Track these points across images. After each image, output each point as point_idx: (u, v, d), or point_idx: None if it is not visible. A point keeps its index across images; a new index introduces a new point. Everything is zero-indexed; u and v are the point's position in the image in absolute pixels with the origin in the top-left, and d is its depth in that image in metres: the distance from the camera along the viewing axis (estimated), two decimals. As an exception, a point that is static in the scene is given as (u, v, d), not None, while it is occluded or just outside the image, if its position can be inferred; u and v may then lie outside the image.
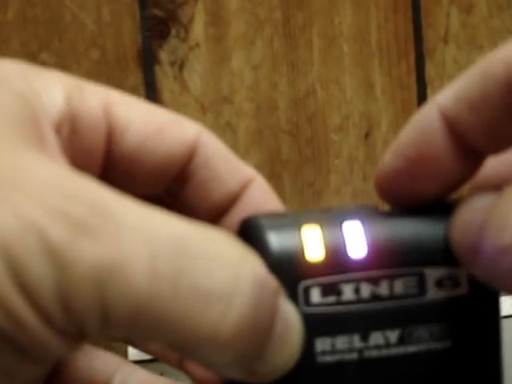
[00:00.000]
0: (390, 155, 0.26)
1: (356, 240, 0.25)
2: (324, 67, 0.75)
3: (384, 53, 0.76)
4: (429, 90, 0.77)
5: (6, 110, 0.23)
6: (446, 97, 0.25)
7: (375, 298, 0.25)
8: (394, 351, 0.25)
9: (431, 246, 0.25)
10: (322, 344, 0.24)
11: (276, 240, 0.24)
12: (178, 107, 0.73)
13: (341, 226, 0.25)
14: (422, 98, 0.77)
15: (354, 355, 0.25)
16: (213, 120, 0.73)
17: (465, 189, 0.26)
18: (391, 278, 0.25)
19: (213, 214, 0.28)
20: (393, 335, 0.25)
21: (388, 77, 0.76)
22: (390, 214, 0.26)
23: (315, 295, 0.24)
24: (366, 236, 0.25)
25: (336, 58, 0.75)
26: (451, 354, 0.25)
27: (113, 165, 0.27)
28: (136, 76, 0.72)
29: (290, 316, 0.23)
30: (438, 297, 0.25)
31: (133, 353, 0.67)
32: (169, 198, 0.28)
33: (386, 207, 0.26)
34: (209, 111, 0.73)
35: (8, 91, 0.24)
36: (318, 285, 0.24)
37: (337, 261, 0.24)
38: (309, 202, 0.75)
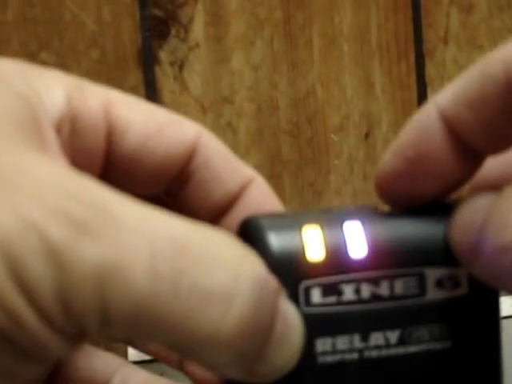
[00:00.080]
0: (390, 155, 0.26)
1: (356, 240, 0.25)
2: (324, 67, 0.75)
3: (384, 52, 0.76)
4: (429, 90, 0.77)
5: (6, 109, 0.23)
6: (445, 97, 0.25)
7: (375, 298, 0.25)
8: (394, 351, 0.25)
9: (431, 246, 0.25)
10: (322, 344, 0.24)
11: (276, 240, 0.24)
12: (178, 107, 0.72)
13: (341, 227, 0.25)
14: (422, 97, 0.77)
15: (355, 355, 0.25)
16: (213, 120, 0.73)
17: (465, 189, 0.26)
18: (391, 278, 0.25)
19: (213, 215, 0.28)
20: (393, 335, 0.25)
21: (388, 76, 0.76)
22: (390, 215, 0.26)
23: (316, 295, 0.24)
24: (367, 236, 0.25)
25: (336, 57, 0.75)
26: (451, 354, 0.25)
27: (113, 165, 0.27)
28: (136, 76, 0.72)
29: (290, 316, 0.23)
30: (438, 297, 0.25)
31: (133, 353, 0.67)
32: (169, 198, 0.28)
33: (385, 207, 0.26)
34: (209, 111, 0.73)
35: (8, 91, 0.23)
36: (319, 285, 0.24)
37: (337, 261, 0.24)
38: (309, 203, 0.75)
